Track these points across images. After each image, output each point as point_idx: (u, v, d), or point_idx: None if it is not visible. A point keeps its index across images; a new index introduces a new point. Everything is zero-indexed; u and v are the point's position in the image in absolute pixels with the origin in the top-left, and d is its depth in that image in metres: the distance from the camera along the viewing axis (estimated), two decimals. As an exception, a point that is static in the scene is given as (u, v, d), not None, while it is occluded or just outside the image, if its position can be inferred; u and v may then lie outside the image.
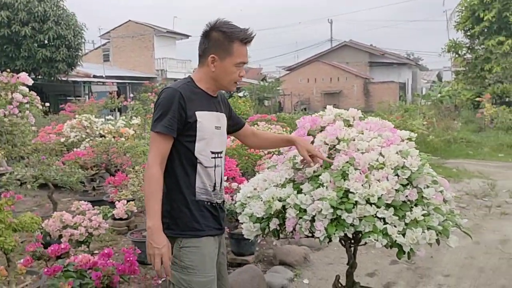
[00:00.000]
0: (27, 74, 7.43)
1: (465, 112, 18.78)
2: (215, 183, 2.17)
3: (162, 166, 2.03)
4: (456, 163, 10.22)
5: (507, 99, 19.56)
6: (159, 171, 2.01)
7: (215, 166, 2.17)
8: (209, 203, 2.15)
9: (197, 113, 2.08)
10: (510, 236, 4.97)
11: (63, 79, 20.95)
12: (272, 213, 2.29)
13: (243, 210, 2.48)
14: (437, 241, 2.20)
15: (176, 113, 2.02)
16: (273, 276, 3.68)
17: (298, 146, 2.36)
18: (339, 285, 2.95)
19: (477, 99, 19.68)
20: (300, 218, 2.24)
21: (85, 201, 5.95)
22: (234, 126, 2.39)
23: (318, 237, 2.17)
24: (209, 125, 2.12)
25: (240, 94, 24.89)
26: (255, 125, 7.26)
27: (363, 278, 3.87)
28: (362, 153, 2.37)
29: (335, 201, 2.15)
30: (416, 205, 2.23)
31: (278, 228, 2.34)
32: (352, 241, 2.46)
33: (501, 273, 4.00)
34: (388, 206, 2.17)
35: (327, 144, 2.47)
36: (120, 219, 5.21)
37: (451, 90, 22.57)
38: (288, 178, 2.46)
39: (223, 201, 2.27)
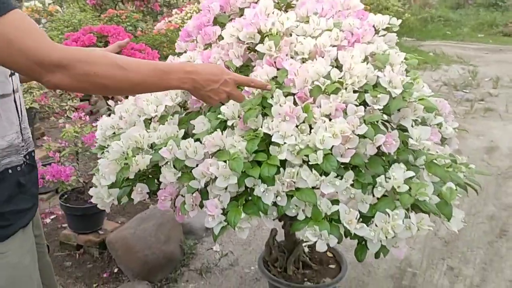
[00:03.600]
0: None
1: (444, -14, 17.27)
2: (20, 121, 1.09)
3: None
4: (433, 45, 9.17)
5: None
6: (77, 49, 0.98)
7: (14, 91, 1.07)
8: (17, 168, 1.07)
9: None
10: (498, 142, 4.13)
11: None
12: (133, 177, 1.24)
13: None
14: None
15: None
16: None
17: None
18: (274, 243, 2.03)
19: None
20: (185, 185, 1.21)
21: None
22: None
23: (211, 228, 1.15)
24: None
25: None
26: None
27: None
28: (303, 61, 1.29)
29: (242, 159, 1.10)
30: (396, 159, 1.22)
31: (149, 197, 1.32)
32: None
33: (488, 197, 3.18)
34: (344, 167, 1.15)
35: (243, 43, 1.36)
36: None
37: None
38: (174, 103, 1.38)
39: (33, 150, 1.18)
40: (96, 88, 0.94)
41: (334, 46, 1.32)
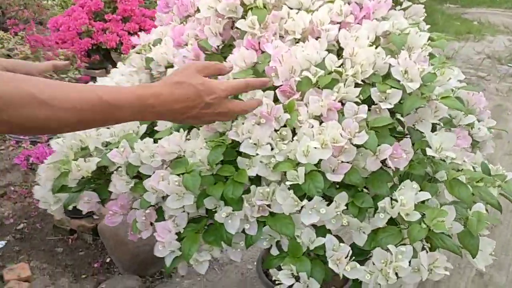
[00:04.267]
0: None
1: None
2: None
3: None
4: (478, 13, 8.50)
5: None
6: None
7: None
8: None
9: None
10: (544, 125, 3.71)
11: None
12: (76, 184, 1.01)
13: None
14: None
15: None
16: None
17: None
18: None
19: None
20: (140, 197, 0.97)
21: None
22: None
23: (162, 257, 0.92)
24: None
25: None
26: None
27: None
28: (297, 41, 1.01)
29: (199, 174, 0.85)
30: (408, 174, 0.94)
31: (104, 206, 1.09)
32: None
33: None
34: (337, 186, 0.88)
35: (223, 17, 1.08)
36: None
37: None
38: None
39: None
40: (12, 131, 0.63)
41: (338, 23, 1.03)
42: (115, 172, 0.99)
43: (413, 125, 0.97)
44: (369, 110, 0.92)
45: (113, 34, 3.15)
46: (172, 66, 1.08)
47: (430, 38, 1.09)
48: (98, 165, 0.99)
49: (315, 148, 0.82)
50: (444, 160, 0.99)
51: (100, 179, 1.07)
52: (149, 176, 0.94)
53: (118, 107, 0.66)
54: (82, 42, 3.06)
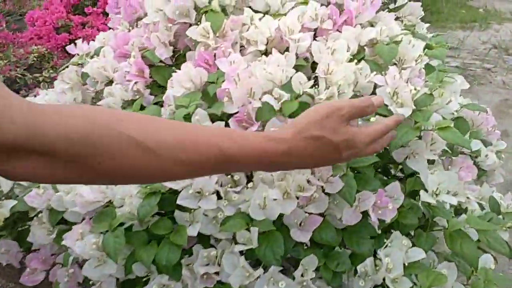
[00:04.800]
0: None
1: None
2: None
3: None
4: (484, 0, 8.23)
5: None
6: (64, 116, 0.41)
7: None
8: None
9: None
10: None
11: None
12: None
13: None
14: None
15: None
16: None
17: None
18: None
19: None
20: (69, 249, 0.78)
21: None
22: None
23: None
24: None
25: None
26: None
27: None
28: (262, 54, 0.81)
29: (129, 232, 0.66)
30: (397, 223, 0.74)
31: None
32: None
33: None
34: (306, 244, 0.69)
35: (172, 23, 0.88)
36: None
37: None
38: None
39: None
40: (97, 182, 0.49)
41: (313, 30, 0.83)
42: (35, 218, 0.80)
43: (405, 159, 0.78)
44: (347, 143, 0.72)
45: (93, 29, 2.94)
46: (111, 83, 0.89)
47: (427, 46, 0.89)
48: (14, 211, 0.80)
49: (275, 200, 0.63)
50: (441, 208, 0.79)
51: (22, 224, 0.88)
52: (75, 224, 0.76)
53: (240, 162, 0.50)
54: (59, 37, 2.86)
